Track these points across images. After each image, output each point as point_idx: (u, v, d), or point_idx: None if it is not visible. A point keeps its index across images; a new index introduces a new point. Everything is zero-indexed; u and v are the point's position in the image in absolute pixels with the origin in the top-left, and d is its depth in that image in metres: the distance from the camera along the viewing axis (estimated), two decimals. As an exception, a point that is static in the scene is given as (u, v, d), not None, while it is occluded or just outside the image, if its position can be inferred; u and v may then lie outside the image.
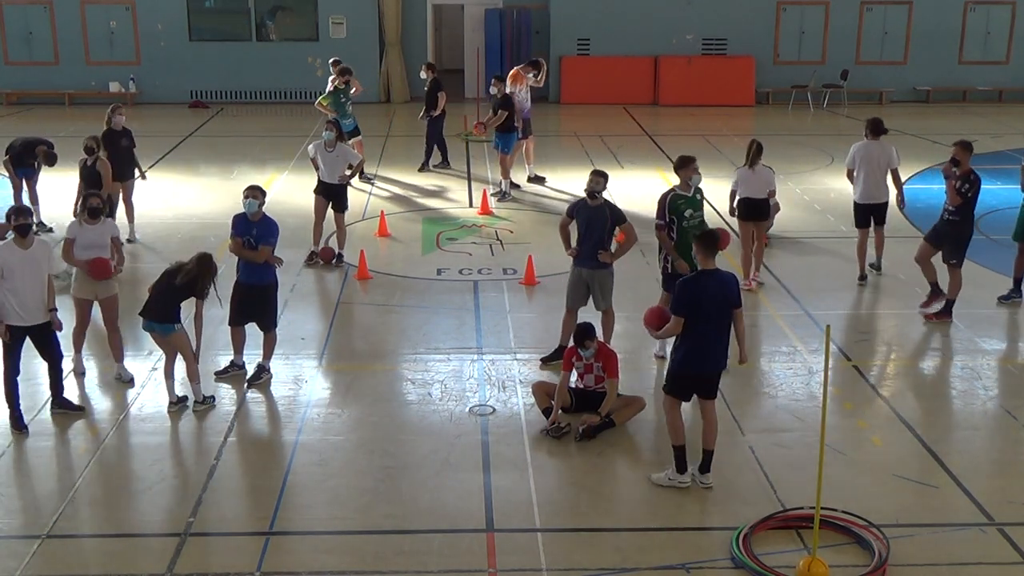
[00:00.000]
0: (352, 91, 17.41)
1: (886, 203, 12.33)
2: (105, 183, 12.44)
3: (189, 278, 8.90)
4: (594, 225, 9.61)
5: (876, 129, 12.16)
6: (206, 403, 9.07)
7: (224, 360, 9.85)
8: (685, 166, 9.79)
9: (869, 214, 12.31)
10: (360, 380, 9.82)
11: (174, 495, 7.72)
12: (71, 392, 9.25)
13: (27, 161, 14.16)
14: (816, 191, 16.97)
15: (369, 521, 7.40)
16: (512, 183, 16.72)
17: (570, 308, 9.92)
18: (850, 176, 12.43)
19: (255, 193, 9.60)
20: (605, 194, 9.80)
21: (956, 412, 9.38)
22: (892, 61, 27.42)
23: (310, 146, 13.32)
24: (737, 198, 12.09)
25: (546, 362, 9.97)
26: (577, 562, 6.90)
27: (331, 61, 18.36)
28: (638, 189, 17.23)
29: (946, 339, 10.83)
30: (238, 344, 9.76)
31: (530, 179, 17.53)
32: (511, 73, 17.68)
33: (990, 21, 27.33)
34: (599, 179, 9.66)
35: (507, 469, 8.11)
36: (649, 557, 6.99)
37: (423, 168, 18.31)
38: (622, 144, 21.31)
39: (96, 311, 9.63)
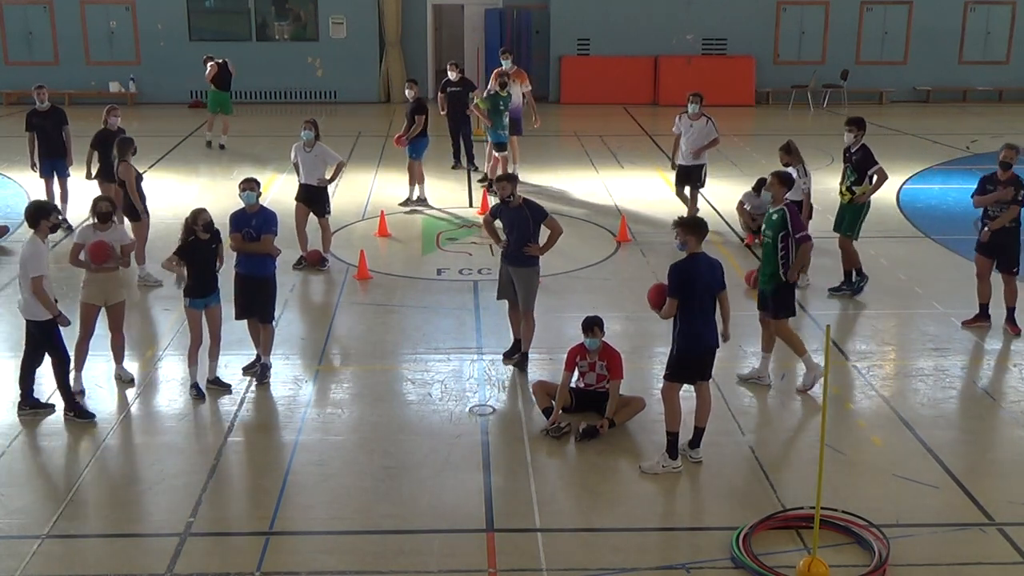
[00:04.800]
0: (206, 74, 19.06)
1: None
2: (130, 188, 12.10)
3: (192, 233, 9.25)
4: (516, 225, 9.72)
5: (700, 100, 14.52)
6: (219, 386, 9.35)
7: (233, 359, 9.86)
8: None
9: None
10: (360, 380, 9.82)
11: (174, 495, 7.71)
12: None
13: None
14: (815, 191, 16.77)
15: (369, 521, 7.39)
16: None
17: (509, 301, 10.06)
18: (678, 141, 14.41)
19: (251, 185, 9.72)
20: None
21: (956, 412, 9.37)
22: (892, 61, 27.46)
23: (292, 147, 12.99)
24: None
25: (508, 357, 10.04)
26: (577, 562, 6.89)
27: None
28: (638, 189, 17.26)
29: (946, 339, 10.82)
30: (256, 338, 9.76)
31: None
32: (515, 71, 17.60)
33: (990, 21, 27.37)
34: (507, 185, 9.77)
35: (507, 469, 8.11)
36: (649, 557, 6.99)
37: (474, 167, 18.12)
38: (622, 144, 21.31)
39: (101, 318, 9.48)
